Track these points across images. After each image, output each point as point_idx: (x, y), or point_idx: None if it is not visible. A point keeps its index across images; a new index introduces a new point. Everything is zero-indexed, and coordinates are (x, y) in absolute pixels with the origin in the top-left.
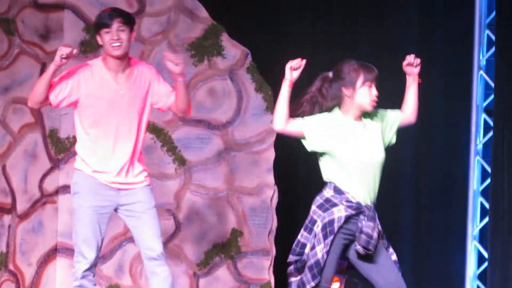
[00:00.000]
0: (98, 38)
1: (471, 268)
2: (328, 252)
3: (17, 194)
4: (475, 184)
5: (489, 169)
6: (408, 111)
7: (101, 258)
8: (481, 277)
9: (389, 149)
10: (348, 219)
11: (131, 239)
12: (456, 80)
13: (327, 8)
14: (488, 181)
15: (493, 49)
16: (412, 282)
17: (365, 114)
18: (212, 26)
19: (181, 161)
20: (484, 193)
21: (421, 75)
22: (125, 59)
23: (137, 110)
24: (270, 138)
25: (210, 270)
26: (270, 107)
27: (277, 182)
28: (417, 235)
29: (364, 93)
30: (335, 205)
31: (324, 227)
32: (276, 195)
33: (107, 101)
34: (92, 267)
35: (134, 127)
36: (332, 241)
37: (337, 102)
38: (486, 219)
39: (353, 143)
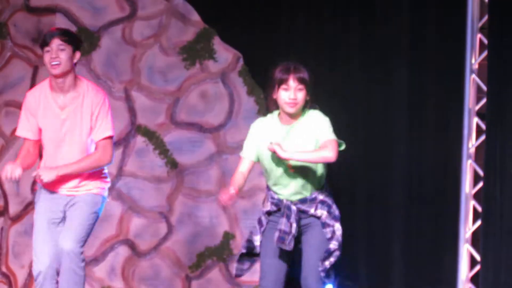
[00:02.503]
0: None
1: (463, 271)
2: (261, 242)
3: (10, 197)
4: (467, 187)
5: (481, 173)
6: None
7: (93, 260)
8: (474, 280)
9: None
10: (273, 213)
11: (123, 241)
12: (448, 83)
13: (319, 12)
14: (480, 184)
15: (485, 53)
16: (404, 284)
17: (303, 117)
18: (204, 29)
19: (173, 164)
20: (476, 196)
21: (413, 79)
22: (67, 79)
23: (77, 134)
24: None
25: (202, 273)
26: (262, 110)
27: None
28: (409, 238)
29: (280, 95)
30: (266, 200)
31: (258, 220)
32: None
33: (50, 126)
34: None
35: (76, 148)
36: (263, 232)
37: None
38: (479, 222)
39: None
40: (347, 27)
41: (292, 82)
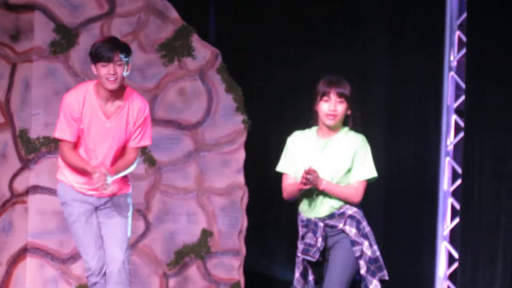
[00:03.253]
0: (93, 68)
1: (442, 269)
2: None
3: None
4: (445, 185)
5: (459, 170)
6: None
7: (71, 258)
8: (451, 277)
9: None
10: (305, 235)
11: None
12: (427, 81)
13: (299, 9)
14: (459, 182)
15: (464, 50)
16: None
17: (341, 133)
18: (183, 27)
19: (151, 161)
20: (454, 194)
21: (392, 76)
22: (117, 90)
23: (120, 141)
24: (240, 139)
25: (180, 270)
26: (240, 107)
27: (247, 183)
28: (387, 236)
29: (320, 107)
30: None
31: (297, 255)
32: (246, 195)
33: (95, 132)
34: None
35: (113, 151)
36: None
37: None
38: (457, 220)
39: (307, 160)
40: (328, 25)
41: (333, 95)
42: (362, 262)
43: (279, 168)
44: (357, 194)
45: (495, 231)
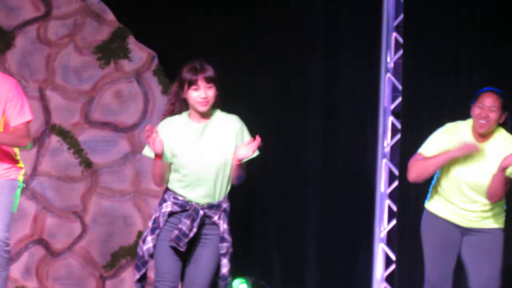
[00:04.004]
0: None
1: (379, 270)
2: (155, 246)
3: None
4: (382, 186)
5: (396, 172)
6: None
7: None
8: (388, 279)
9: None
10: (173, 214)
11: (37, 241)
12: (364, 82)
13: (234, 10)
14: (396, 183)
15: (400, 52)
16: (318, 283)
17: (217, 116)
18: (119, 29)
19: (87, 163)
20: (391, 195)
21: (329, 77)
22: None
23: None
24: None
25: (116, 272)
26: None
27: None
28: (324, 237)
29: (190, 95)
30: (164, 201)
31: (153, 221)
32: None
33: None
34: None
35: None
36: (159, 234)
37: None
38: (394, 222)
39: (186, 145)
40: (262, 26)
41: (201, 82)
42: (225, 261)
43: (146, 152)
44: None
45: None
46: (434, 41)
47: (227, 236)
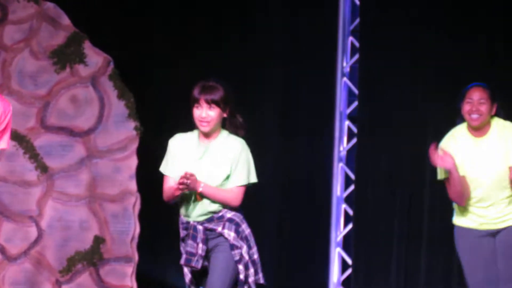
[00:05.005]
0: None
1: (335, 275)
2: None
3: None
4: (338, 190)
5: (352, 176)
6: None
7: None
8: (345, 283)
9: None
10: (185, 238)
11: None
12: (320, 86)
13: (192, 14)
14: (352, 187)
15: (356, 56)
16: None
17: (220, 137)
18: (75, 33)
19: (43, 168)
20: (347, 199)
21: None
22: None
23: None
24: (132, 145)
25: (72, 277)
26: (132, 114)
27: (140, 189)
28: (280, 242)
29: (194, 113)
30: (179, 227)
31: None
32: (138, 202)
33: None
34: None
35: None
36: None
37: None
38: (350, 226)
39: (187, 163)
40: (220, 31)
41: (202, 102)
42: (241, 267)
43: (162, 169)
44: (236, 198)
45: (388, 237)
46: (389, 45)
47: (237, 243)
